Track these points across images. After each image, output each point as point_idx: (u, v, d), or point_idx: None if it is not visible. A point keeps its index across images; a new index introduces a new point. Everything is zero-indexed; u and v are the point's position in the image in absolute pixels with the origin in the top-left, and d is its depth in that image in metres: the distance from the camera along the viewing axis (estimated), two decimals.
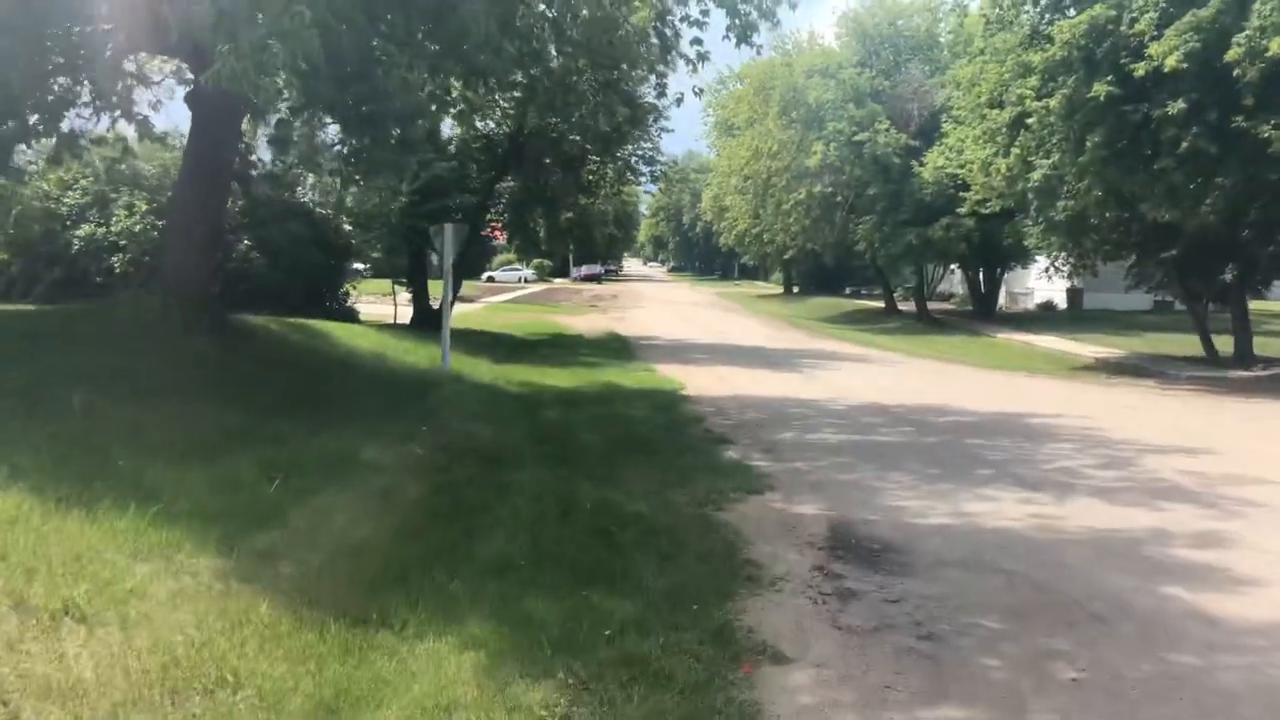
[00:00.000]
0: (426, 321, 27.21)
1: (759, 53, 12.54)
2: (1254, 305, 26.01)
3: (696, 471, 9.57)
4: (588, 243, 31.46)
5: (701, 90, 14.62)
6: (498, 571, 5.76)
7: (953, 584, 6.17)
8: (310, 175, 26.56)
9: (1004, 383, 20.15)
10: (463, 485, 7.95)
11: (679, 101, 25.59)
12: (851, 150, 37.35)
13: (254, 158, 18.98)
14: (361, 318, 26.86)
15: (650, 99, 26.73)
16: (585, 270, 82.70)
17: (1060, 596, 5.84)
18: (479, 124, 27.42)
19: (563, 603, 5.30)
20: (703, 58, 13.02)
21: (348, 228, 26.91)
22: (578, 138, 26.51)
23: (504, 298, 53.67)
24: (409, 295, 28.42)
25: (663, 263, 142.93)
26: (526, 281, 73.32)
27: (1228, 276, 25.30)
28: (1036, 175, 22.08)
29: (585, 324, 35.29)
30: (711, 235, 75.35)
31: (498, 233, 35.76)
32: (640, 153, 29.06)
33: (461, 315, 37.15)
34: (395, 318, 25.41)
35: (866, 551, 6.93)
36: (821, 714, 4.27)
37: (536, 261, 79.02)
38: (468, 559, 5.94)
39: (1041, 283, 43.45)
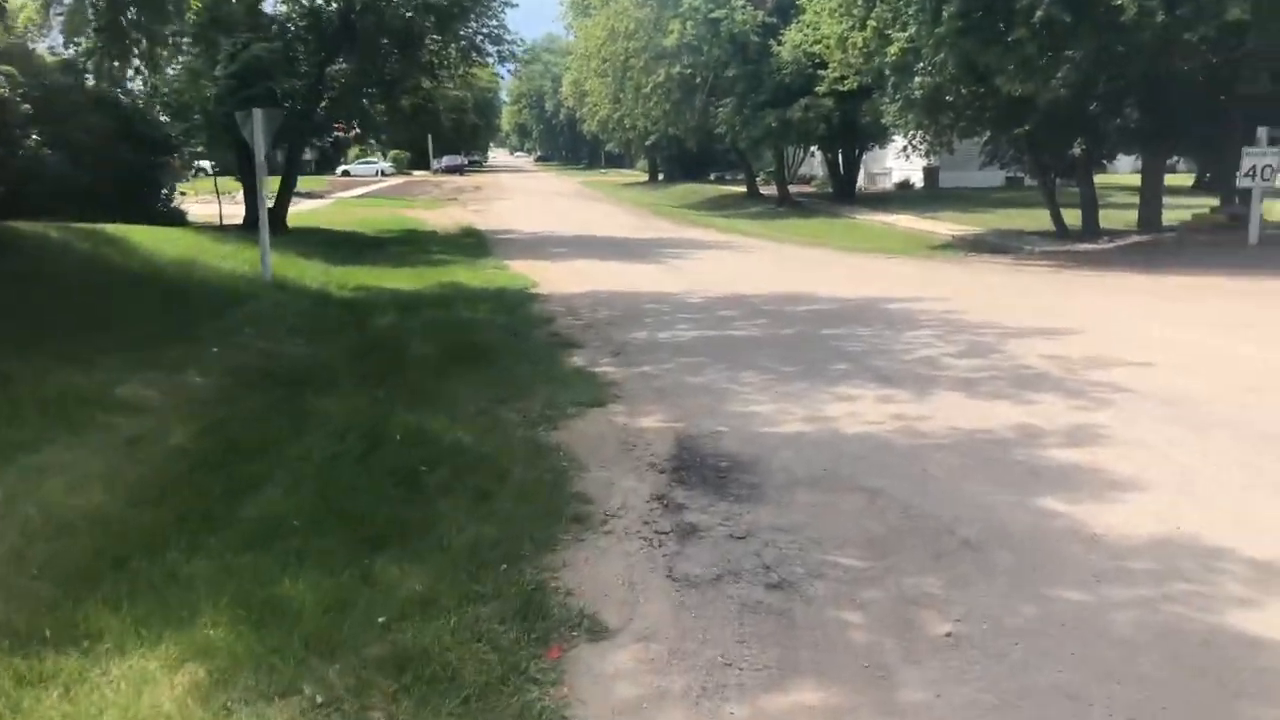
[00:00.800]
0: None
1: None
2: (1099, 179, 26.39)
3: (535, 383, 8.58)
4: (435, 129, 29.24)
5: None
6: (262, 540, 4.66)
7: (807, 509, 5.41)
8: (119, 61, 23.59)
9: (863, 265, 19.75)
10: (246, 422, 6.72)
11: None
12: (709, 29, 35.94)
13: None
14: (191, 219, 24.52)
15: None
16: (446, 162, 79.24)
17: (928, 519, 5.14)
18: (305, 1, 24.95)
19: (336, 577, 4.26)
20: None
21: (165, 119, 24.18)
22: (413, 15, 24.32)
23: (357, 193, 50.60)
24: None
25: (529, 152, 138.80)
26: (384, 175, 69.78)
27: (1076, 150, 25.55)
28: (893, 49, 21.35)
29: (441, 218, 33.41)
30: (576, 123, 72.98)
31: (339, 127, 33.16)
32: (485, 30, 26.92)
33: (307, 213, 34.58)
34: (221, 219, 23.12)
35: (712, 472, 6.12)
36: (640, 714, 3.41)
37: (395, 154, 75.36)
38: (224, 525, 4.81)
39: (899, 162, 43.47)
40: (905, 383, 8.37)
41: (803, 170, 52.52)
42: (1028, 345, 9.86)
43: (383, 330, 11.38)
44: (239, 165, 25.64)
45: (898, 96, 24.62)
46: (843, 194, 39.81)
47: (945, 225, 28.67)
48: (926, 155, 29.40)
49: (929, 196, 39.43)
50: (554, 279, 17.04)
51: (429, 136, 77.10)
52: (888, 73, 23.56)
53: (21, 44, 20.15)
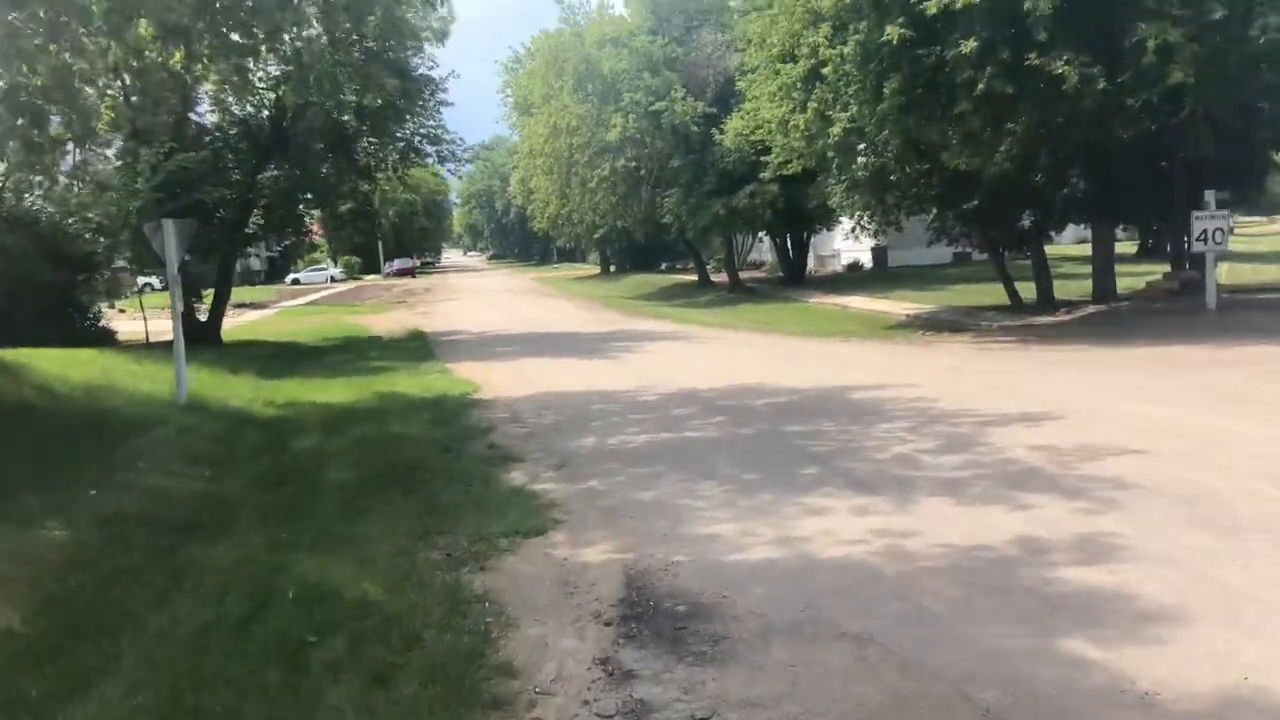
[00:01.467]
0: (193, 338, 23.84)
1: None
2: (1048, 250, 26.24)
3: (465, 510, 7.53)
4: (373, 232, 28.45)
5: (446, 33, 12.55)
6: None
7: (784, 671, 4.38)
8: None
9: (820, 351, 19.04)
10: (104, 588, 5.59)
11: (429, 40, 23.04)
12: (651, 121, 36.04)
13: None
14: (121, 338, 23.31)
15: (424, 70, 24.36)
16: (397, 265, 79.11)
17: (933, 681, 4.14)
18: (235, 109, 24.35)
19: None
20: None
21: (89, 235, 23.06)
22: (349, 117, 23.79)
23: (303, 300, 49.62)
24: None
25: (482, 251, 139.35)
26: (334, 281, 69.05)
27: (1026, 223, 25.45)
28: (836, 130, 21.08)
29: (387, 323, 32.43)
30: (526, 220, 73.16)
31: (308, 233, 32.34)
32: (424, 131, 26.43)
33: (248, 325, 33.44)
34: (148, 337, 21.86)
35: (669, 621, 5.08)
36: None
37: (345, 259, 75.07)
38: None
39: (848, 243, 43.61)
40: (883, 488, 7.44)
41: (752, 256, 52.60)
42: (1010, 435, 9.01)
43: (302, 454, 10.29)
44: (171, 275, 24.65)
45: (843, 178, 24.42)
46: (793, 278, 39.63)
47: (899, 305, 28.29)
48: (875, 235, 29.19)
49: (879, 276, 39.35)
50: (498, 381, 16.09)
51: (379, 241, 76.93)
52: (831, 154, 23.37)
53: None
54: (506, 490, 8.25)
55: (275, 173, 23.02)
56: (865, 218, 27.19)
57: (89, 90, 15.73)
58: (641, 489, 8.12)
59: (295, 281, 67.66)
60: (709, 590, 5.47)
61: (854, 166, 23.45)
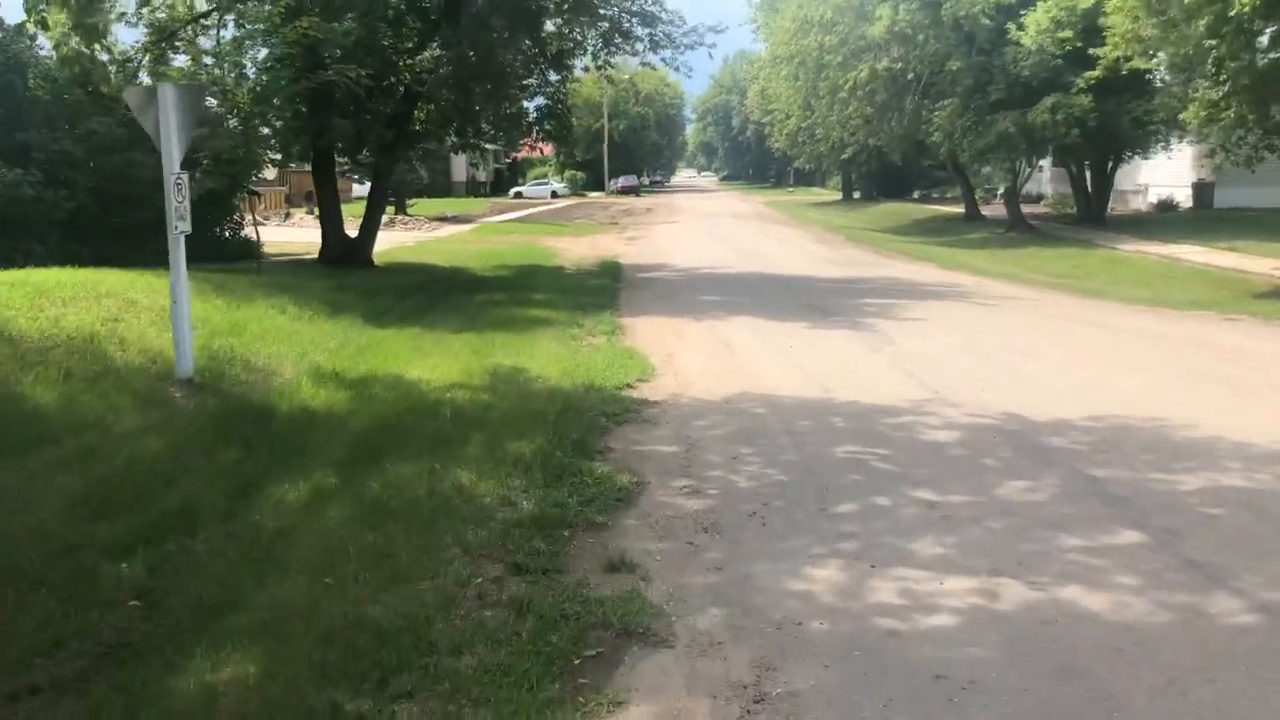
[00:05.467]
0: (346, 256, 19.42)
1: None
2: None
3: None
4: (561, 137, 23.07)
5: None
6: None
7: None
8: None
9: (1198, 340, 11.96)
10: None
11: None
12: (927, 13, 28.63)
13: None
14: (271, 250, 19.51)
15: None
16: (622, 182, 74.94)
17: None
18: None
19: None
20: None
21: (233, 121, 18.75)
22: None
23: (511, 216, 45.86)
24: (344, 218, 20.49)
25: (716, 172, 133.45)
26: (556, 196, 65.81)
27: None
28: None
29: (583, 249, 27.43)
30: (763, 139, 66.41)
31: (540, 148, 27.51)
32: (634, 8, 20.42)
33: (426, 243, 29.25)
34: (259, 258, 17.28)
35: None
36: None
37: (569, 174, 71.78)
38: None
39: (1158, 176, 34.30)
40: None
41: (1029, 187, 43.68)
42: None
43: (213, 565, 4.98)
44: (315, 176, 20.19)
45: (1223, 77, 16.76)
46: (1090, 216, 31.23)
47: (1258, 261, 20.23)
48: (1244, 163, 20.70)
49: (1203, 219, 29.95)
50: (685, 361, 10.46)
51: (605, 155, 72.38)
52: (1214, 42, 15.97)
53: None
54: None
55: (439, 53, 17.76)
56: (1235, 137, 19.39)
57: None
58: None
59: (518, 195, 65.24)
60: None
61: (1237, 62, 16.01)
